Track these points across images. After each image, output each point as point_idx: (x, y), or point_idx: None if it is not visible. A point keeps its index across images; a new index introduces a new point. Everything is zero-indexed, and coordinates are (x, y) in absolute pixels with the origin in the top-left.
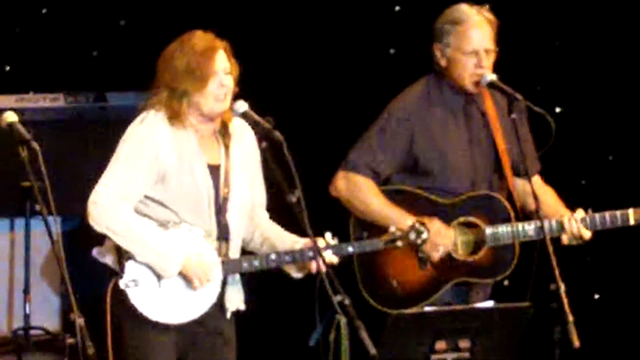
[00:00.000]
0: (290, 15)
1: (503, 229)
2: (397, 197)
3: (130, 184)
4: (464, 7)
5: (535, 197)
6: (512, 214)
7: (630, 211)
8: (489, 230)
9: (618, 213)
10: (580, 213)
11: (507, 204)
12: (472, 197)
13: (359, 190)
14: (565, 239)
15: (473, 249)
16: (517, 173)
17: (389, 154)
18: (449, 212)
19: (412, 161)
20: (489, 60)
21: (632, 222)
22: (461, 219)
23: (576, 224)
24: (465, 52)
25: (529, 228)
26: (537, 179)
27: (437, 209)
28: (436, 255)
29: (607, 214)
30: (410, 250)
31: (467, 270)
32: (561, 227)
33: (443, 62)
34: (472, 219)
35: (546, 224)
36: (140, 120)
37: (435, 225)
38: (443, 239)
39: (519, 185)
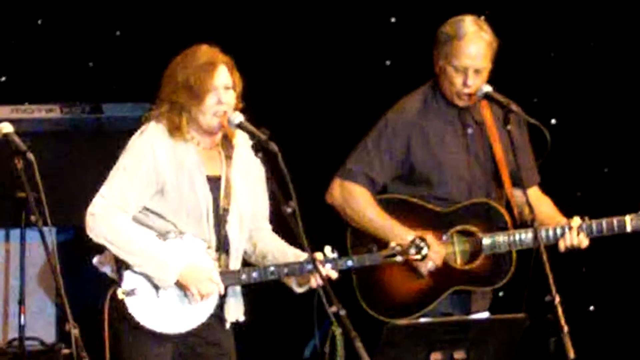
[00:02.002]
0: (286, 27)
1: (499, 238)
2: (393, 206)
3: (129, 195)
4: (467, 23)
5: (531, 207)
6: (510, 223)
7: (627, 218)
8: (485, 239)
9: (615, 220)
10: (576, 221)
11: (504, 212)
12: (469, 205)
13: (354, 199)
14: (562, 246)
15: (470, 258)
16: (516, 183)
17: (385, 163)
18: (445, 221)
19: (408, 170)
20: (477, 80)
21: (629, 229)
22: (458, 228)
23: (575, 233)
24: (454, 66)
25: (525, 237)
26: (535, 190)
27: (434, 218)
28: (424, 270)
29: (603, 221)
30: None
31: (464, 278)
32: (559, 235)
33: (436, 69)
34: (469, 227)
35: (543, 233)
36: (140, 132)
37: (428, 238)
38: (433, 254)
39: (518, 194)
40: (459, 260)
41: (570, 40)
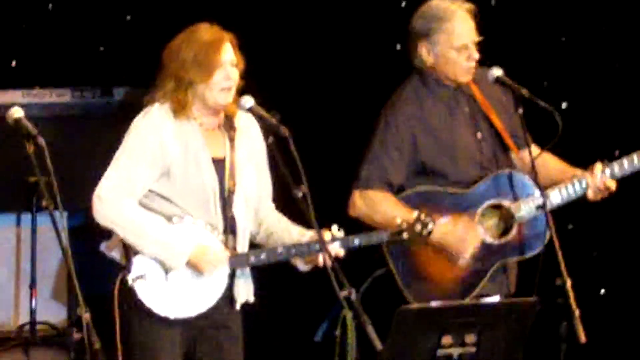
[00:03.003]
0: (296, 10)
1: (528, 203)
2: (417, 199)
3: (135, 178)
4: (446, 3)
5: (533, 167)
6: (534, 185)
7: None
8: (514, 207)
9: (635, 155)
10: (598, 167)
11: (525, 176)
12: (491, 179)
13: (378, 204)
14: (591, 194)
15: (504, 230)
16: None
17: (397, 163)
18: (472, 200)
19: (420, 164)
20: (476, 51)
21: None
22: (487, 204)
23: (601, 177)
24: (456, 47)
25: (553, 195)
26: (534, 147)
27: (460, 201)
28: (468, 253)
29: (624, 159)
30: (444, 249)
31: (505, 251)
32: (585, 185)
33: (430, 60)
34: (496, 201)
35: (570, 187)
36: (144, 113)
37: (464, 221)
38: (472, 237)
39: (516, 159)
40: (494, 235)
41: (581, 23)
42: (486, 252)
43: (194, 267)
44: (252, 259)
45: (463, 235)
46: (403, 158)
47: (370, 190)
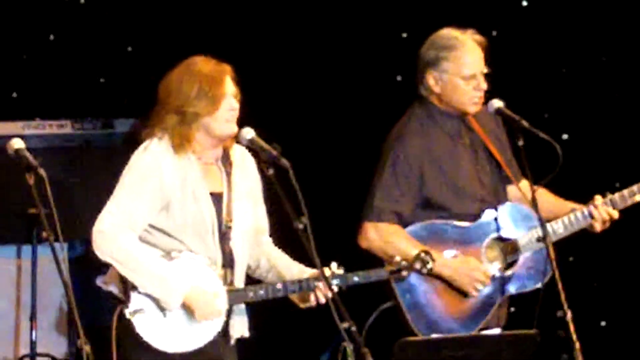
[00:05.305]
0: (297, 42)
1: (533, 235)
2: (424, 232)
3: (135, 213)
4: (456, 33)
5: (534, 199)
6: (537, 217)
7: None
8: (519, 239)
9: (635, 187)
10: (599, 199)
11: (528, 208)
12: (494, 212)
13: (391, 236)
14: (597, 226)
15: (510, 262)
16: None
17: (407, 196)
18: (476, 233)
19: (423, 198)
20: (484, 82)
21: None
22: (492, 236)
23: (603, 210)
24: (464, 76)
25: (557, 227)
26: (525, 182)
27: (465, 233)
28: (475, 292)
29: (624, 191)
30: (452, 284)
31: (510, 284)
32: (591, 217)
33: (437, 89)
34: (501, 234)
35: (572, 217)
36: (143, 148)
37: (472, 262)
38: (480, 275)
39: (512, 191)
40: (500, 268)
41: (582, 55)
42: (493, 285)
43: (189, 310)
44: (251, 294)
45: (474, 274)
46: (412, 192)
47: (384, 222)
